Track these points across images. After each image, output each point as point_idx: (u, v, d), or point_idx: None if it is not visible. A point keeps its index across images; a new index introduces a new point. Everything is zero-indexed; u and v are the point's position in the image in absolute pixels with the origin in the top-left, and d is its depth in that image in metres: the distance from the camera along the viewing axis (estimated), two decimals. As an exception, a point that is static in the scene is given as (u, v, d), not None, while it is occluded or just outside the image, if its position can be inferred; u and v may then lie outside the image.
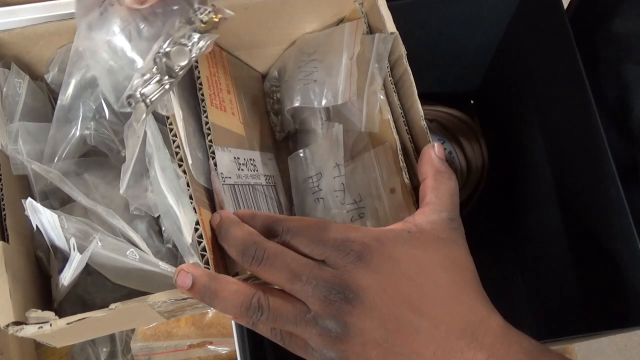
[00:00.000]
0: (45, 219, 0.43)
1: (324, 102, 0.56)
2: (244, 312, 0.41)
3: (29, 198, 0.44)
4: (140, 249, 0.45)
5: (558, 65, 0.70)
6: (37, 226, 0.47)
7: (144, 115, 0.44)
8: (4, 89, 0.46)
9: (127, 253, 0.44)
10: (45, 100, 0.52)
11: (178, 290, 0.43)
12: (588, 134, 0.65)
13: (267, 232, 0.44)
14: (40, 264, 0.48)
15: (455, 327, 0.39)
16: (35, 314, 0.42)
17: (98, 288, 0.48)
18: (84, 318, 0.42)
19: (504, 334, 0.40)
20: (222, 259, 0.47)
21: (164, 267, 0.45)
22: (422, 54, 0.55)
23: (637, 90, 0.67)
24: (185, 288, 0.42)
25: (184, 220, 0.44)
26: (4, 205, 0.44)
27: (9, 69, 0.48)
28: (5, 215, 0.44)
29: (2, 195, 0.45)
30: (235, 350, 0.62)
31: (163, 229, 0.49)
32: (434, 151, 0.47)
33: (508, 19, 0.76)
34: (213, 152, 0.49)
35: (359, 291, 0.39)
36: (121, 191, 0.46)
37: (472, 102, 0.91)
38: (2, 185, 0.45)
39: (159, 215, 0.49)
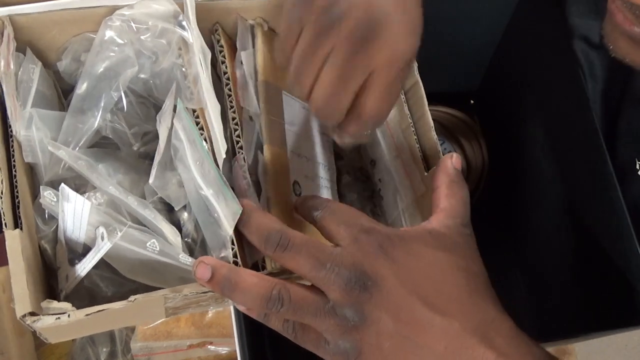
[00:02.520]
0: (72, 207, 0.42)
1: None
2: (264, 304, 0.41)
3: (62, 184, 0.43)
4: (167, 241, 0.44)
5: (557, 65, 0.70)
6: (47, 216, 0.46)
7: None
8: (19, 74, 0.45)
9: (147, 245, 0.43)
10: (52, 88, 0.51)
11: (198, 284, 0.43)
12: (587, 133, 0.65)
13: (307, 210, 0.45)
14: (43, 255, 0.47)
15: (468, 325, 0.40)
16: (51, 304, 0.41)
17: (105, 281, 0.48)
18: (102, 310, 0.41)
19: (514, 336, 0.41)
20: (242, 251, 0.46)
21: (184, 259, 0.44)
22: (421, 53, 0.55)
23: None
24: (205, 280, 0.42)
25: (224, 212, 0.43)
26: (17, 192, 0.43)
27: (24, 54, 0.47)
28: (19, 202, 0.43)
29: (16, 182, 0.43)
30: (235, 350, 0.62)
31: (181, 222, 0.49)
32: (451, 161, 0.49)
33: (507, 19, 0.77)
34: (241, 147, 0.49)
35: (377, 279, 0.40)
36: (150, 181, 0.46)
37: (472, 101, 0.92)
38: (15, 172, 0.44)
39: (179, 209, 0.49)
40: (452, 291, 0.41)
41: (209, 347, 0.73)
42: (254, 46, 0.53)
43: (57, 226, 0.46)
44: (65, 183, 0.48)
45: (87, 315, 0.40)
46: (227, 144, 0.47)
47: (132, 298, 0.41)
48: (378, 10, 0.41)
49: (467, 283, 0.42)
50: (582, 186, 0.69)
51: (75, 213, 0.42)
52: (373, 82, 0.43)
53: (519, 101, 0.80)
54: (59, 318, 0.40)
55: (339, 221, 0.43)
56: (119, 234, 0.42)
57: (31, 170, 0.48)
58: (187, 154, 0.45)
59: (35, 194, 0.47)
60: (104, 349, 0.70)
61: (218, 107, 0.47)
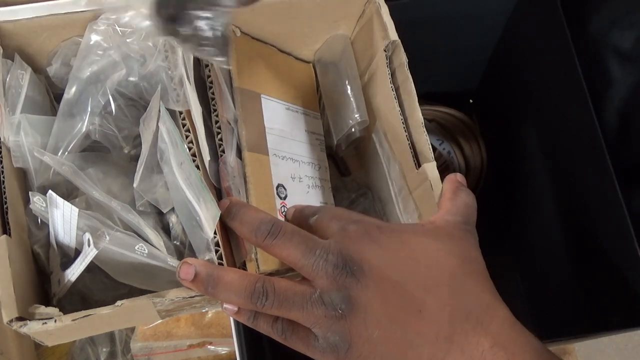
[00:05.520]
0: (61, 213, 0.42)
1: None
2: (248, 298, 0.40)
3: (50, 190, 0.43)
4: (153, 245, 0.44)
5: (555, 64, 0.70)
6: (40, 220, 0.47)
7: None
8: (7, 80, 0.45)
9: (136, 248, 0.43)
10: (44, 93, 0.51)
11: (185, 288, 0.43)
12: (586, 134, 0.65)
13: (304, 218, 0.45)
14: (37, 260, 0.48)
15: (460, 310, 0.39)
16: (39, 309, 0.41)
17: (98, 285, 0.48)
18: (88, 315, 0.41)
19: (511, 324, 0.40)
20: (230, 253, 0.47)
21: (172, 262, 0.45)
22: (420, 53, 0.54)
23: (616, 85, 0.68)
24: (188, 280, 0.41)
25: (205, 215, 0.44)
26: (6, 198, 0.44)
27: (12, 60, 0.47)
28: (7, 208, 0.43)
29: (4, 188, 0.44)
30: (235, 351, 0.62)
31: (170, 225, 0.49)
32: (457, 176, 0.49)
33: (506, 18, 0.76)
34: (223, 151, 0.49)
35: (362, 263, 0.40)
36: (135, 185, 0.46)
37: (471, 101, 0.91)
38: (4, 178, 0.44)
39: (167, 212, 0.49)
40: (442, 276, 0.40)
41: (208, 347, 0.72)
42: None
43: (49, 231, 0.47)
44: (56, 187, 0.49)
45: (73, 320, 0.41)
46: (214, 145, 0.48)
47: (119, 303, 0.42)
48: None
49: (460, 269, 0.41)
50: (581, 187, 0.68)
51: (64, 218, 0.43)
52: None
53: (518, 101, 0.80)
54: (45, 323, 0.40)
55: (330, 218, 0.43)
56: (107, 238, 0.42)
57: (24, 175, 0.48)
58: (171, 157, 0.45)
59: (27, 199, 0.47)
60: (104, 349, 0.70)
61: (199, 109, 0.47)
